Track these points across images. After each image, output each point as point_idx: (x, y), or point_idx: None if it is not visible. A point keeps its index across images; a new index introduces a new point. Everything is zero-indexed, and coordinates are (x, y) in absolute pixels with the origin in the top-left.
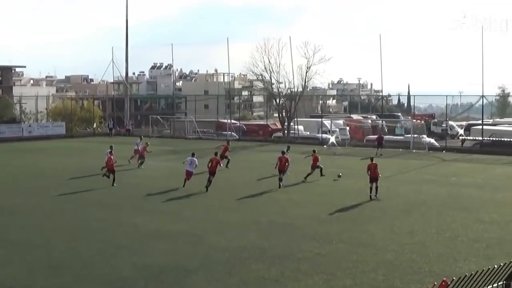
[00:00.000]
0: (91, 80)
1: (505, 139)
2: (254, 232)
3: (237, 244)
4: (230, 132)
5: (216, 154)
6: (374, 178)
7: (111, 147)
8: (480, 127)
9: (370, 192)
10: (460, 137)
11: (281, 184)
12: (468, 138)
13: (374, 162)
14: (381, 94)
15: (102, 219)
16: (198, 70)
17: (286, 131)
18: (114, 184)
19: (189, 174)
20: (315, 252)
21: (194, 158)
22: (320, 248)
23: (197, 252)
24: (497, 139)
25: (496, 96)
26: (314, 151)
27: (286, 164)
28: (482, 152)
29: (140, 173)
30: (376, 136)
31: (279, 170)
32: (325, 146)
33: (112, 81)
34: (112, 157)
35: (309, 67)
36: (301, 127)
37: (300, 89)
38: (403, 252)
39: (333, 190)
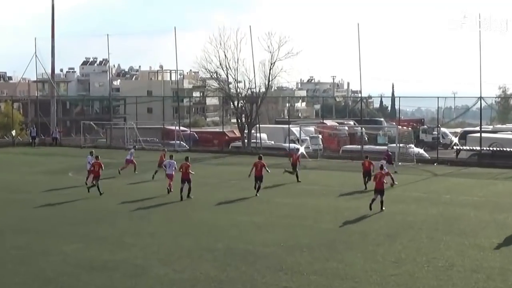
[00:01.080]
0: (9, 78)
1: (508, 149)
2: (209, 261)
3: (188, 276)
4: (178, 142)
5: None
6: (379, 191)
7: (91, 152)
8: (478, 134)
9: (371, 203)
10: (455, 147)
11: (257, 194)
12: (464, 148)
13: (383, 171)
14: (360, 95)
15: (24, 246)
16: (139, 67)
17: (246, 140)
18: (102, 192)
19: (171, 177)
20: (282, 286)
21: (173, 161)
22: (288, 281)
23: (140, 287)
24: (498, 149)
25: (496, 97)
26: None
27: (263, 169)
28: (480, 165)
29: (72, 192)
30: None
31: (255, 177)
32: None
33: (35, 79)
34: (99, 162)
35: (274, 63)
36: (264, 136)
37: (263, 89)
38: (387, 285)
39: (302, 211)
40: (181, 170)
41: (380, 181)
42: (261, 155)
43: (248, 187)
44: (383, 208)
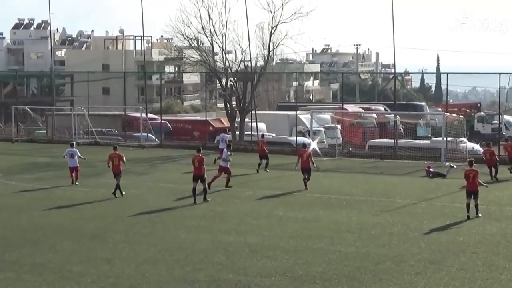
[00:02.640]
0: None
1: None
2: None
3: None
4: (145, 134)
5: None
6: (473, 192)
7: (72, 144)
8: None
9: (468, 212)
10: None
11: (258, 170)
12: None
13: (473, 167)
14: (393, 71)
15: None
16: (92, 32)
17: (237, 132)
18: (123, 193)
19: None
20: None
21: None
22: None
23: None
24: None
25: None
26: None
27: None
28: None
29: None
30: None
31: (260, 156)
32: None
33: None
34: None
35: (276, 26)
36: (262, 126)
37: (261, 62)
38: None
39: (314, 228)
40: (193, 165)
41: (474, 181)
42: (263, 134)
43: (240, 195)
44: (479, 214)
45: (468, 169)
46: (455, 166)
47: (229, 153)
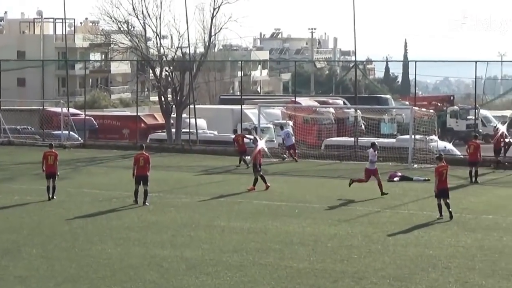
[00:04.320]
0: None
1: None
2: None
3: None
4: (67, 132)
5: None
6: (445, 190)
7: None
8: None
9: (440, 214)
10: (503, 140)
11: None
12: None
13: (444, 162)
14: (353, 58)
15: None
16: (5, 13)
17: (174, 130)
18: (146, 203)
19: None
20: None
21: None
22: None
23: None
24: None
25: None
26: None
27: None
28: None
29: None
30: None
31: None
32: (247, 157)
33: None
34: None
35: (218, 7)
36: (202, 122)
37: (201, 49)
38: None
39: (262, 241)
40: (136, 164)
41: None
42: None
43: (175, 203)
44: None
45: (441, 165)
46: (429, 179)
47: (375, 152)
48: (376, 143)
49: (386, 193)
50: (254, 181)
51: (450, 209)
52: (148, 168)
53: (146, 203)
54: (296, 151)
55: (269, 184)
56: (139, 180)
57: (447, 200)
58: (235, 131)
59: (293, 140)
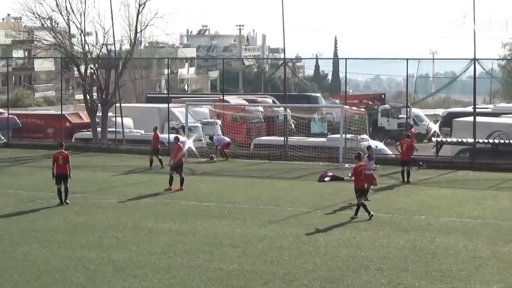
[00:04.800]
0: None
1: None
2: None
3: None
4: None
5: None
6: (363, 189)
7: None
8: (470, 119)
9: (356, 214)
10: (434, 139)
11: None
12: (449, 140)
13: (362, 161)
14: (282, 56)
15: None
16: None
17: (99, 129)
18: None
19: None
20: None
21: None
22: None
23: None
24: (502, 141)
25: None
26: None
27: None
28: (474, 167)
29: None
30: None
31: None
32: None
33: None
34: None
35: (144, 3)
36: (128, 121)
37: (127, 46)
38: None
39: (191, 242)
40: (55, 163)
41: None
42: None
43: (102, 204)
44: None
45: (360, 164)
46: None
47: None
48: (372, 148)
49: (369, 200)
50: (181, 182)
51: (372, 213)
52: (68, 167)
53: (67, 201)
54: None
55: (172, 187)
56: (59, 179)
57: (363, 200)
58: (155, 129)
59: (227, 139)
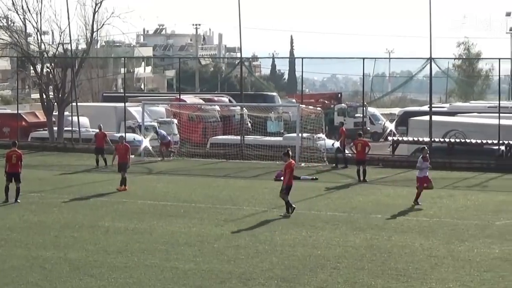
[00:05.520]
0: None
1: (473, 141)
2: None
3: None
4: None
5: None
6: (291, 187)
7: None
8: (426, 118)
9: (288, 211)
10: (390, 138)
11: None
12: (405, 139)
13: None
14: (239, 55)
15: None
16: None
17: (56, 128)
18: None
19: None
20: None
21: None
22: None
23: None
24: (458, 140)
25: (455, 59)
26: None
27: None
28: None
29: None
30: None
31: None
32: (132, 155)
33: None
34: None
35: (100, 2)
36: (85, 120)
37: (84, 45)
38: None
39: (148, 241)
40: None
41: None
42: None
43: (58, 203)
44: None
45: (290, 161)
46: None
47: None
48: (426, 148)
49: (419, 204)
50: (123, 181)
51: (294, 206)
52: (21, 166)
53: (18, 200)
54: (169, 148)
55: (126, 187)
56: (10, 177)
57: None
58: (100, 128)
59: (169, 138)
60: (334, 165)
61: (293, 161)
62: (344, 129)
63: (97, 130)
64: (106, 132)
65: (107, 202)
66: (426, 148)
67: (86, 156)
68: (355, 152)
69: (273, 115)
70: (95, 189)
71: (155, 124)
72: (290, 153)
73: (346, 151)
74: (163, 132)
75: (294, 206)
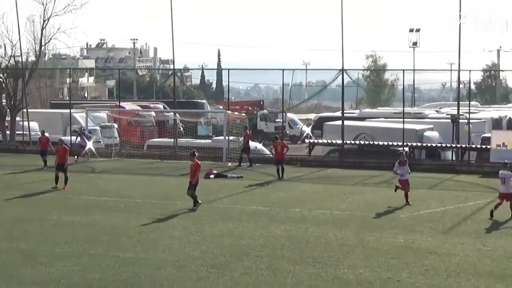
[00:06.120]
0: None
1: (380, 143)
2: None
3: None
4: None
5: None
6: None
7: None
8: (338, 122)
9: (195, 205)
10: (306, 140)
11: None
12: (320, 141)
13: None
14: (172, 66)
15: None
16: None
17: (8, 132)
18: None
19: None
20: None
21: None
22: None
23: None
24: (367, 142)
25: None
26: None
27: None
28: (342, 165)
29: None
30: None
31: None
32: (75, 158)
33: None
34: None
35: (48, 19)
36: (34, 125)
37: (33, 58)
38: None
39: (90, 232)
40: None
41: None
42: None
43: (10, 199)
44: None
45: (196, 162)
46: (241, 176)
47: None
48: (404, 154)
49: (410, 204)
50: (65, 180)
51: (200, 201)
52: None
53: None
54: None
55: (58, 185)
56: None
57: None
58: (42, 133)
59: (86, 142)
60: (238, 164)
61: (198, 161)
62: (248, 132)
63: (40, 134)
64: (48, 136)
65: (55, 198)
66: (403, 153)
67: (36, 157)
68: (275, 153)
69: (202, 120)
70: (44, 186)
71: (98, 128)
72: (196, 154)
73: (268, 152)
74: (83, 138)
75: (199, 201)
